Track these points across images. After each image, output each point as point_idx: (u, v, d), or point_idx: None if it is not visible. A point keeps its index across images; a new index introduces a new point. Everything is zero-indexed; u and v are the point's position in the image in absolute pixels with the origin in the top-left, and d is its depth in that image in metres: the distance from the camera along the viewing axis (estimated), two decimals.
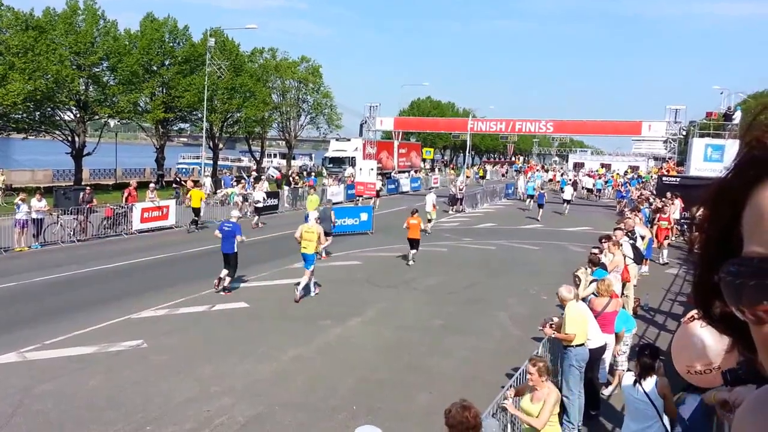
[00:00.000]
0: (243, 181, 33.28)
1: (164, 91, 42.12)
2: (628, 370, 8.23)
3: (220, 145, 50.93)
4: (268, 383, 9.52)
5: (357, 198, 30.85)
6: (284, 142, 61.02)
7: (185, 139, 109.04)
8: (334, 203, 34.35)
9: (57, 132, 37.03)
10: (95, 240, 21.50)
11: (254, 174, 37.47)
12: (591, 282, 9.93)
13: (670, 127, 39.50)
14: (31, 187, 28.68)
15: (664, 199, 23.91)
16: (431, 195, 27.61)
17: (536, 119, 45.98)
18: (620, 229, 14.04)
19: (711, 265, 0.74)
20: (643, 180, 45.55)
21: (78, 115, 37.49)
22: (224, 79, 42.16)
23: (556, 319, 8.54)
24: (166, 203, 25.27)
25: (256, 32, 50.80)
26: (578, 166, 74.38)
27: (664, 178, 30.49)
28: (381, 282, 16.60)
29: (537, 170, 59.23)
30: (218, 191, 33.97)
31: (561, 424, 8.06)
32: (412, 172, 54.25)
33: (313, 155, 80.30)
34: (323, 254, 16.29)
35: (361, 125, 51.44)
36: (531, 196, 34.90)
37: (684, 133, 39.87)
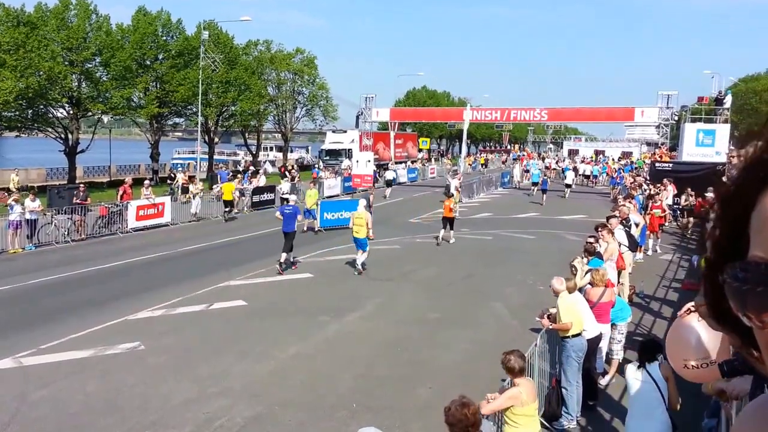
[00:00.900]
0: (239, 176, 33.12)
1: (158, 85, 41.82)
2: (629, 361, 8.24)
3: (216, 139, 50.78)
4: (267, 382, 9.50)
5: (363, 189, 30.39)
6: (280, 135, 60.82)
7: (180, 134, 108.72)
8: (329, 197, 34.51)
9: (50, 130, 36.85)
10: (90, 240, 21.39)
11: (251, 168, 37.23)
12: (587, 272, 9.92)
13: (663, 113, 39.73)
14: (26, 186, 28.66)
15: (658, 185, 23.92)
16: (455, 180, 29.61)
17: (531, 107, 46.22)
18: (615, 216, 14.02)
19: (720, 266, 0.72)
20: (636, 166, 45.77)
21: (71, 112, 37.29)
22: (219, 73, 41.93)
23: (552, 310, 8.54)
24: (162, 200, 25.17)
25: (250, 24, 50.37)
26: (573, 153, 74.84)
27: (656, 164, 30.54)
28: (379, 275, 16.58)
29: (533, 159, 61.02)
30: (214, 186, 33.82)
31: (560, 416, 8.10)
32: (409, 163, 54.15)
33: (309, 147, 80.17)
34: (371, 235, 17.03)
35: (357, 117, 51.24)
36: (535, 183, 36.96)
37: (676, 118, 40.12)
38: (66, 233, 20.66)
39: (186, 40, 42.16)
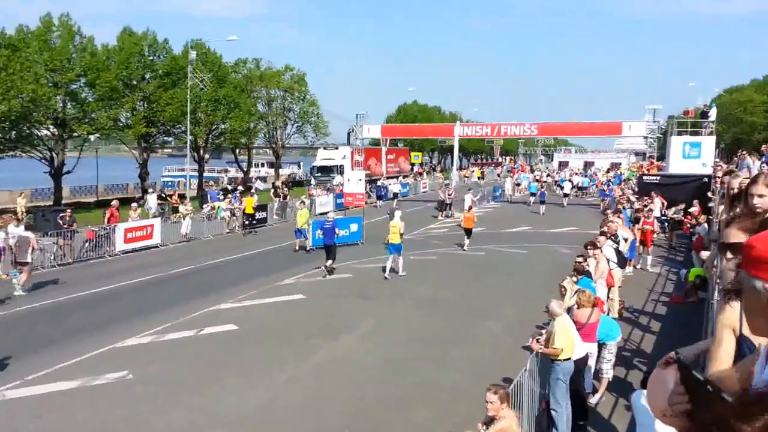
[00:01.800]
0: (230, 195, 33.04)
1: (145, 105, 41.80)
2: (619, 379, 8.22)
3: (206, 157, 50.75)
4: (260, 411, 9.36)
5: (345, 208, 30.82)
6: (271, 151, 60.90)
7: (170, 150, 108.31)
8: (321, 213, 34.47)
9: (35, 151, 36.44)
10: (77, 263, 21.13)
11: (240, 187, 37.16)
12: (576, 291, 9.91)
13: (649, 126, 40.47)
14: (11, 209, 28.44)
15: (646, 198, 24.03)
16: (469, 195, 30.56)
17: (520, 123, 46.76)
18: (603, 234, 14.05)
19: None
20: (626, 178, 46.22)
21: (56, 134, 36.94)
22: (207, 91, 41.96)
23: (543, 335, 8.53)
24: (151, 222, 25.05)
25: (239, 40, 50.54)
26: (563, 164, 75.46)
27: (644, 177, 30.75)
28: (372, 295, 16.55)
29: (525, 172, 62.69)
30: (204, 206, 33.74)
31: None
32: (401, 178, 54.22)
33: (301, 163, 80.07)
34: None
35: (349, 134, 51.41)
36: (533, 194, 39.44)
37: (663, 130, 40.80)
38: (52, 257, 20.39)
39: (173, 60, 42.22)
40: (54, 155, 36.89)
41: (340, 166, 47.71)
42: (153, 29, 42.91)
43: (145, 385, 10.26)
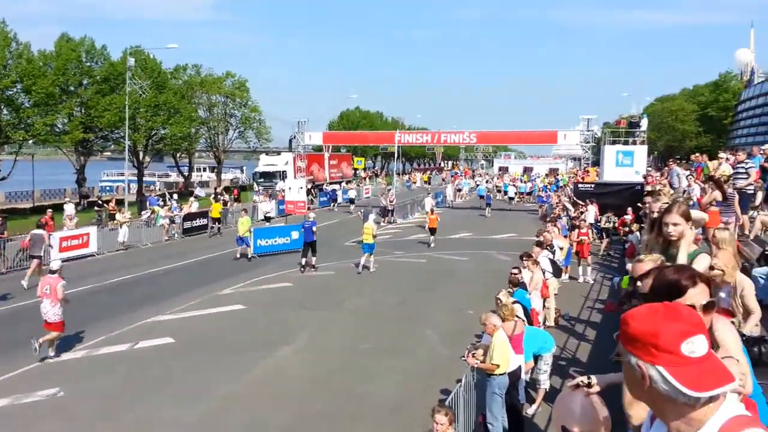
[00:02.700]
0: (169, 201, 32.33)
1: (83, 111, 41.12)
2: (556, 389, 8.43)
3: (147, 161, 49.66)
4: (198, 428, 9.24)
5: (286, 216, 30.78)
6: (213, 156, 60.04)
7: (110, 153, 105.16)
8: (262, 219, 34.12)
9: None
10: (11, 273, 20.41)
11: (175, 195, 36.39)
12: (512, 303, 10.12)
13: (583, 135, 42.13)
14: None
15: (581, 205, 24.82)
16: (428, 198, 33.58)
17: (460, 131, 47.75)
18: (539, 244, 14.46)
19: None
20: (563, 184, 47.84)
21: None
22: (147, 97, 41.18)
23: (480, 350, 8.65)
24: (87, 230, 24.31)
25: (181, 44, 49.98)
26: (503, 170, 77.37)
27: (579, 185, 31.78)
28: (312, 305, 16.53)
29: (467, 176, 65.74)
30: (143, 212, 32.90)
31: None
32: (344, 184, 54.30)
33: (244, 168, 79.08)
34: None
35: (291, 140, 51.09)
36: (482, 196, 42.55)
37: (597, 138, 42.48)
38: None
39: (111, 66, 41.74)
40: None
41: (283, 171, 47.46)
42: (91, 35, 42.20)
43: (77, 402, 9.99)
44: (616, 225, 24.15)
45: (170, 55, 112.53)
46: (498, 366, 8.10)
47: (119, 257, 24.07)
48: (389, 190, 42.16)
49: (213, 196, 37.51)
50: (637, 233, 18.84)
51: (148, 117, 43.18)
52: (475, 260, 23.12)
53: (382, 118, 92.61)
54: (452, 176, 72.66)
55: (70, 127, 39.77)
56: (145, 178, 50.70)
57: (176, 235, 28.56)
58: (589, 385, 2.75)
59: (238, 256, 23.37)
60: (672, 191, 19.79)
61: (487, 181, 56.65)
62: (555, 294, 14.64)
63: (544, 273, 13.08)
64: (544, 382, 9.92)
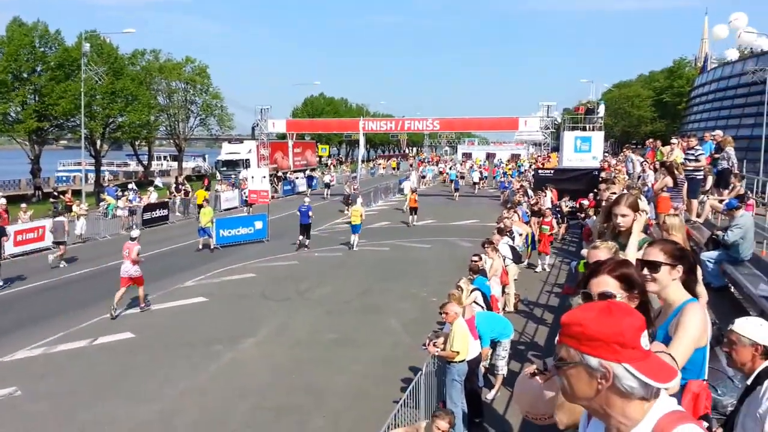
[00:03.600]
0: (128, 191, 31.70)
1: (37, 98, 39.74)
2: (515, 373, 8.59)
3: (105, 149, 48.51)
4: (156, 425, 9.16)
5: (249, 207, 30.56)
6: (174, 144, 59.01)
7: (66, 142, 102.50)
8: (227, 209, 33.81)
9: None
10: None
11: (133, 186, 35.48)
12: (472, 290, 10.27)
13: (543, 122, 42.80)
14: None
15: (539, 192, 25.18)
16: (407, 182, 36.02)
17: (423, 118, 48.16)
18: (500, 231, 14.66)
19: None
20: (523, 171, 48.64)
21: None
22: (103, 84, 40.15)
23: (441, 339, 8.79)
24: (42, 223, 23.71)
25: (138, 30, 48.76)
26: (466, 156, 77.96)
27: (539, 171, 32.27)
28: (275, 295, 16.49)
29: (427, 164, 67.54)
30: (101, 203, 32.24)
31: None
32: (308, 171, 54.07)
33: (206, 156, 77.92)
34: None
35: (253, 128, 50.51)
36: (453, 181, 44.44)
37: (556, 125, 43.26)
38: None
39: (66, 51, 40.39)
40: None
41: (246, 160, 46.96)
42: (45, 20, 40.47)
43: (34, 401, 9.83)
44: (576, 210, 24.55)
45: (127, 40, 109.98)
46: (458, 353, 8.25)
47: (76, 250, 23.51)
48: (354, 177, 42.12)
49: (174, 186, 37.00)
50: (594, 217, 19.23)
51: (105, 104, 42.12)
52: (437, 247, 23.31)
53: (347, 105, 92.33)
54: (417, 162, 73.12)
55: (24, 116, 38.55)
56: (102, 168, 49.62)
57: (135, 226, 28.04)
58: (544, 371, 2.83)
59: (201, 247, 23.12)
60: (627, 178, 20.23)
61: (450, 168, 57.23)
62: (515, 279, 14.93)
63: (504, 259, 13.29)
64: (503, 368, 10.10)
